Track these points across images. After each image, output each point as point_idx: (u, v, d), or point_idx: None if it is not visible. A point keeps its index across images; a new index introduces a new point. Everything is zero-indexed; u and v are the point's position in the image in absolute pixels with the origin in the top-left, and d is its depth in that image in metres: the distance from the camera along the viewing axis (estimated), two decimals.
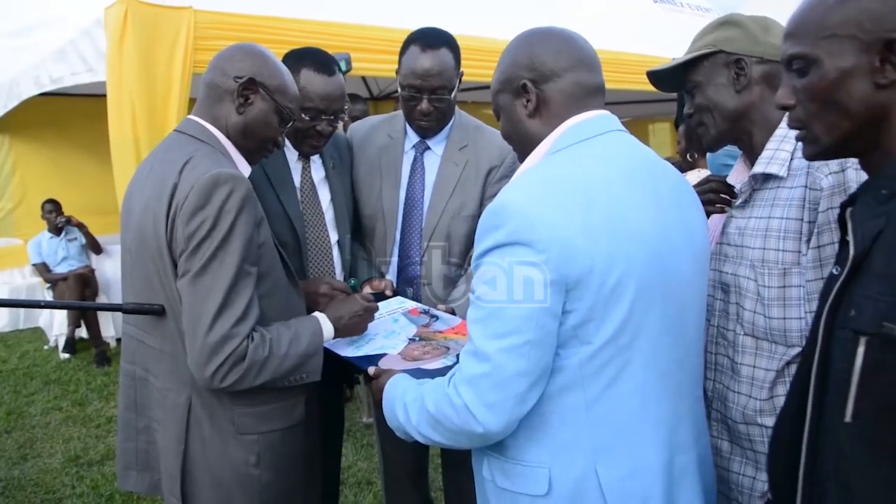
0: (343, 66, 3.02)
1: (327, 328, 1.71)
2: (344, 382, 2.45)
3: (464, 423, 1.22)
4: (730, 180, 1.68)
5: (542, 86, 1.34)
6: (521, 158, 1.41)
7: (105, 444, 4.34)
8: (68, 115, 7.02)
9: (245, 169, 1.67)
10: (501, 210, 1.21)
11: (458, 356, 1.76)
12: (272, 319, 1.61)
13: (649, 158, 1.36)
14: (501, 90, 1.41)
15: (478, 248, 1.25)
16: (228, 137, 1.67)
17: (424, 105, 2.16)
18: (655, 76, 1.68)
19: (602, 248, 1.18)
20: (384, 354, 1.78)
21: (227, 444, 1.61)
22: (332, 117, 2.06)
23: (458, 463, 2.46)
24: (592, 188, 1.22)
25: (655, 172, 1.34)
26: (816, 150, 1.11)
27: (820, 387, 1.05)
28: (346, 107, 2.13)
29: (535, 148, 1.37)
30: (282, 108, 1.69)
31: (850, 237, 1.03)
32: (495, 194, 2.27)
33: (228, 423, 1.61)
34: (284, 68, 1.73)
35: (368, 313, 1.83)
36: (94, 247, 6.70)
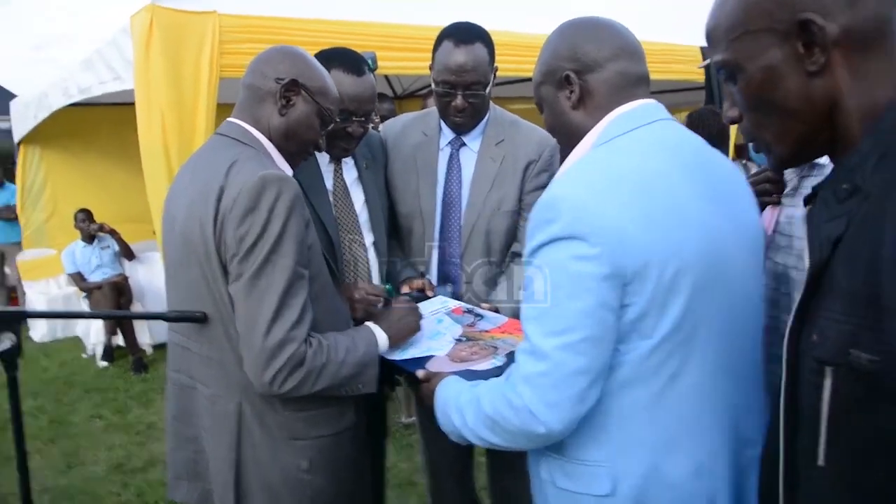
0: (369, 65, 3.00)
1: (382, 338, 1.68)
2: (386, 384, 2.42)
3: (524, 423, 1.19)
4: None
5: (586, 76, 1.30)
6: (566, 151, 1.37)
7: (147, 450, 4.38)
8: (97, 124, 7.08)
9: (288, 172, 1.64)
10: (554, 204, 1.17)
11: (507, 355, 1.72)
12: (321, 323, 1.58)
13: (700, 147, 1.31)
14: (543, 82, 1.37)
15: (530, 244, 1.21)
16: (270, 140, 1.65)
17: (459, 101, 2.12)
18: None
19: (658, 240, 1.14)
20: (431, 356, 1.74)
21: (278, 450, 1.59)
22: (362, 118, 2.02)
23: (505, 465, 2.41)
24: (645, 178, 1.18)
25: (707, 162, 1.29)
26: (776, 160, 1.01)
27: (790, 425, 0.94)
28: (375, 110, 2.09)
29: (580, 140, 1.33)
30: (324, 110, 1.67)
31: (805, 245, 0.91)
32: (535, 189, 2.29)
33: (280, 428, 1.59)
34: (324, 70, 1.71)
35: (414, 316, 1.80)
36: (126, 253, 6.76)
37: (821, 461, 0.86)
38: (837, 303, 0.82)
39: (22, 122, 7.24)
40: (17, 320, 1.46)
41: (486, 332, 1.88)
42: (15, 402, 1.51)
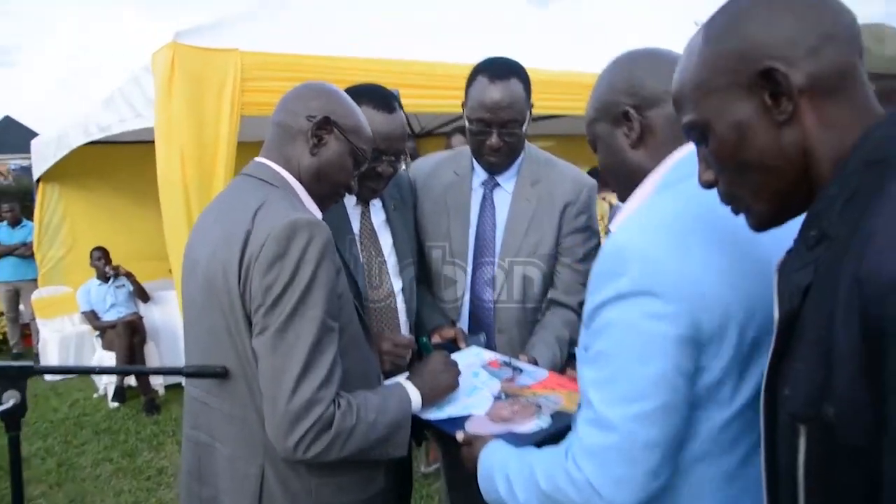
0: (400, 102, 2.92)
1: (415, 396, 1.56)
2: (414, 439, 2.28)
3: (586, 501, 1.05)
4: None
5: (646, 112, 1.19)
6: (623, 194, 1.25)
7: (156, 497, 4.24)
8: (116, 162, 7.11)
9: (318, 215, 1.54)
10: (621, 255, 1.05)
11: (552, 416, 1.59)
12: (350, 378, 1.46)
13: None
14: (598, 118, 1.26)
15: (594, 298, 1.08)
16: (300, 181, 1.55)
17: (494, 140, 2.01)
18: None
19: (740, 295, 1.01)
20: (470, 416, 1.61)
21: None
22: (393, 157, 1.92)
23: None
24: (721, 227, 1.05)
25: None
26: (756, 220, 0.94)
27: (772, 485, 0.88)
28: (406, 150, 1.99)
29: (639, 181, 1.21)
30: (357, 150, 1.58)
31: (774, 296, 0.87)
32: (573, 231, 2.15)
33: (306, 495, 1.46)
34: (358, 108, 1.62)
35: (451, 373, 1.67)
36: (141, 295, 6.68)
37: None
38: (806, 354, 0.79)
39: (42, 159, 7.27)
40: (23, 377, 1.35)
41: (527, 387, 1.75)
42: (16, 464, 1.39)
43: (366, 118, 1.73)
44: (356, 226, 2.02)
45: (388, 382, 1.65)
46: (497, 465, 1.27)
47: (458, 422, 1.58)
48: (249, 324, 1.38)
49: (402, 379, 1.61)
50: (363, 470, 1.51)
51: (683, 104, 0.95)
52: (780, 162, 0.87)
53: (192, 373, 1.43)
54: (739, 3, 0.90)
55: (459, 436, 1.48)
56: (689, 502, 1.07)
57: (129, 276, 6.56)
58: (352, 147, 1.57)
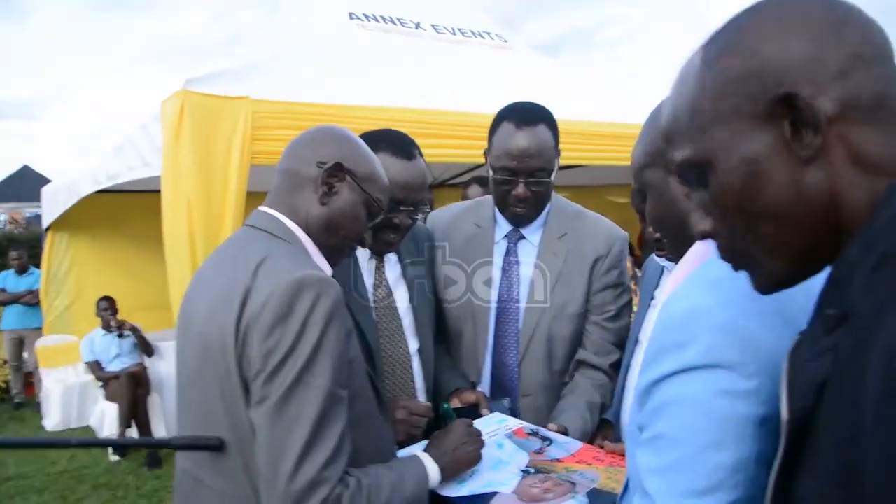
0: (420, 149, 2.83)
1: (433, 471, 1.41)
2: None
3: None
4: None
5: None
6: (677, 249, 1.12)
7: None
8: (124, 211, 7.10)
9: (327, 271, 1.41)
10: (689, 320, 0.89)
11: (588, 495, 1.44)
12: (361, 453, 1.32)
13: None
14: (650, 164, 1.14)
15: (652, 372, 0.93)
16: (308, 233, 1.43)
17: (521, 189, 1.90)
18: None
19: None
20: (495, 493, 1.46)
21: None
22: (411, 208, 1.80)
23: None
24: (802, 291, 0.90)
25: None
26: (767, 281, 0.78)
27: None
28: (426, 200, 1.87)
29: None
30: (372, 200, 1.46)
31: (782, 393, 0.70)
32: (604, 288, 1.99)
33: None
34: (373, 155, 1.50)
35: (474, 445, 1.52)
36: (146, 349, 6.54)
37: None
38: (822, 468, 0.64)
39: (52, 207, 7.27)
40: None
41: (559, 461, 1.60)
42: None
43: (383, 165, 1.61)
44: (370, 282, 1.89)
45: (403, 453, 1.50)
46: None
47: (483, 500, 1.43)
48: (247, 392, 1.25)
49: (419, 451, 1.47)
50: None
51: (676, 139, 0.79)
52: (801, 210, 0.70)
53: (183, 445, 1.29)
54: (747, 18, 0.74)
55: None
56: None
57: (134, 330, 6.44)
58: (366, 197, 1.45)
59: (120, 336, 6.30)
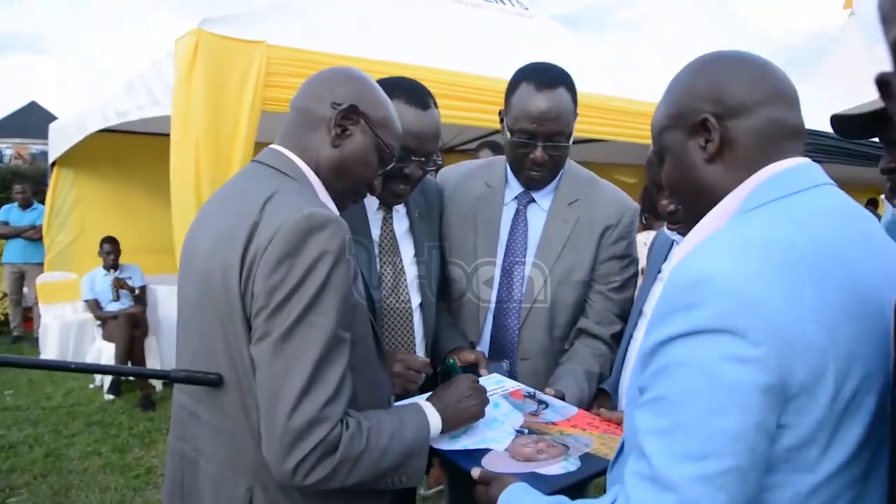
0: (435, 100, 2.79)
1: (434, 421, 1.40)
2: None
3: None
4: None
5: (728, 122, 1.03)
6: (692, 215, 1.10)
7: (143, 497, 4.10)
8: (132, 152, 7.07)
9: (334, 212, 1.38)
10: (700, 283, 0.88)
11: (581, 458, 1.44)
12: (358, 399, 1.31)
13: (873, 223, 1.03)
14: (670, 126, 1.10)
15: (658, 333, 0.92)
16: (318, 174, 1.40)
17: (538, 153, 1.86)
18: (840, 122, 1.37)
19: (840, 343, 0.85)
20: (488, 450, 1.46)
21: None
22: (423, 159, 1.76)
23: None
24: (819, 260, 0.90)
25: (884, 241, 1.01)
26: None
27: None
28: (439, 149, 1.83)
29: (712, 202, 1.06)
30: (384, 146, 1.43)
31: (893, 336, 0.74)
32: (610, 258, 1.97)
33: None
34: (389, 100, 1.47)
35: (477, 399, 1.51)
36: (139, 300, 6.53)
37: None
38: None
39: (59, 143, 7.23)
40: None
41: (553, 424, 1.60)
42: None
43: (397, 113, 1.58)
44: (376, 233, 1.87)
45: (406, 402, 1.50)
46: None
47: (475, 455, 1.43)
48: (249, 329, 1.24)
49: (421, 400, 1.46)
50: (366, 496, 1.36)
51: None
52: None
53: (182, 378, 1.28)
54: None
55: (475, 472, 1.33)
56: None
57: (132, 291, 6.38)
58: (378, 142, 1.42)
59: (121, 288, 6.25)
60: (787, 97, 1.04)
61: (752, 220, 0.98)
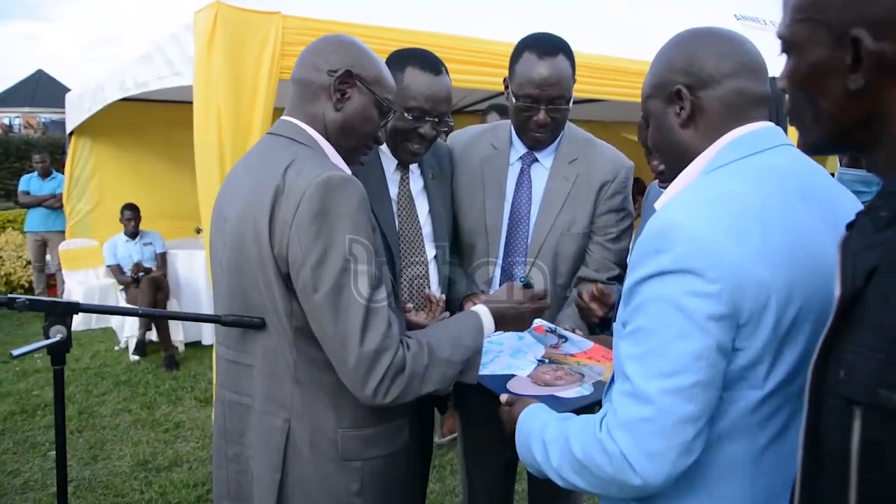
0: (446, 66, 2.93)
1: (488, 322, 1.59)
2: (436, 406, 2.31)
3: (618, 472, 1.07)
4: None
5: (699, 92, 1.19)
6: (670, 173, 1.27)
7: (173, 449, 4.33)
8: (148, 120, 7.19)
9: (347, 172, 1.55)
10: (666, 232, 1.06)
11: (594, 385, 1.62)
12: None
13: (824, 177, 1.19)
14: (652, 95, 1.26)
15: (635, 274, 1.10)
16: (328, 138, 1.55)
17: (541, 116, 2.03)
18: None
19: (780, 279, 1.02)
20: (512, 375, 1.64)
21: (328, 471, 1.48)
22: (436, 119, 1.94)
23: (549, 496, 2.31)
24: (767, 210, 1.06)
25: (832, 193, 1.17)
26: (807, 144, 0.95)
27: (812, 466, 0.85)
28: (450, 111, 2.00)
29: (687, 162, 1.22)
30: (381, 100, 1.57)
31: (837, 274, 0.83)
32: (607, 211, 2.18)
33: (332, 448, 1.48)
34: (378, 57, 1.60)
35: (535, 306, 1.71)
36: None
37: None
38: (867, 337, 0.76)
39: (76, 113, 7.35)
40: (68, 313, 1.39)
41: (571, 355, 1.78)
42: (59, 398, 1.44)
43: (411, 78, 1.79)
44: (394, 191, 2.05)
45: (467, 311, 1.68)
46: (536, 430, 1.29)
47: (500, 380, 1.61)
48: (283, 281, 1.41)
49: (479, 308, 1.63)
50: (388, 422, 1.55)
51: (784, 12, 0.95)
52: (840, 118, 0.88)
53: (231, 322, 1.47)
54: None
55: (503, 397, 1.50)
56: (718, 480, 1.09)
57: (148, 271, 6.47)
58: (375, 98, 1.55)
59: (135, 281, 6.37)
60: (752, 69, 1.19)
61: (713, 178, 1.14)
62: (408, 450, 1.64)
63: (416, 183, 2.11)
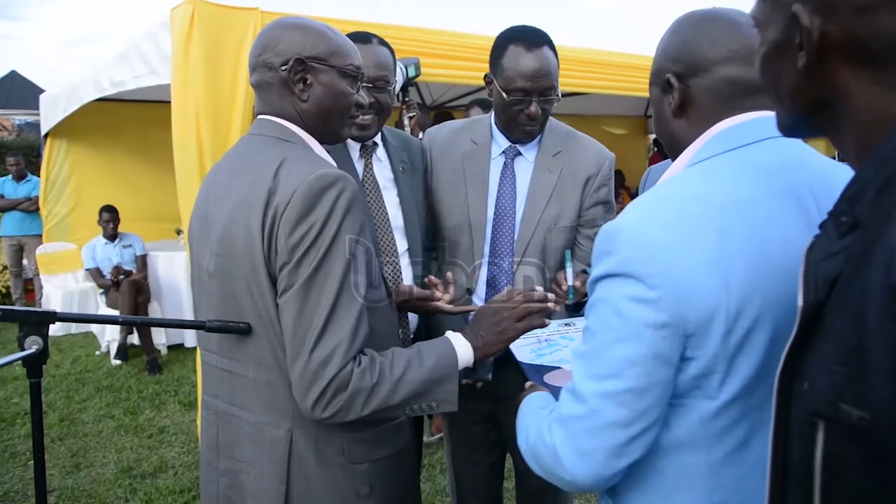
0: (412, 70, 2.88)
1: (461, 346, 1.50)
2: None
3: (552, 464, 1.08)
4: None
5: (689, 81, 1.13)
6: (672, 159, 1.23)
7: (157, 455, 4.26)
8: (125, 120, 7.11)
9: (334, 165, 1.48)
10: (614, 234, 1.04)
11: None
12: (377, 337, 1.43)
13: (820, 173, 1.11)
14: (652, 82, 1.21)
15: (593, 273, 1.08)
16: (309, 129, 1.49)
17: (534, 108, 2.00)
18: None
19: (734, 288, 0.97)
20: (558, 368, 1.61)
21: (335, 478, 1.43)
22: (371, 86, 1.92)
23: (534, 493, 2.30)
24: (730, 211, 1.01)
25: (822, 193, 1.08)
26: (778, 123, 0.93)
27: (778, 479, 0.84)
28: (390, 79, 2.00)
29: (681, 151, 1.17)
30: (345, 69, 1.48)
31: (800, 283, 0.80)
32: (594, 204, 2.14)
33: (338, 453, 1.43)
34: (319, 25, 1.51)
35: (510, 322, 1.56)
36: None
37: None
38: (829, 349, 0.73)
39: (51, 114, 7.24)
40: (45, 323, 1.33)
41: None
42: (37, 411, 1.38)
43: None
44: (360, 176, 2.03)
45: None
46: (523, 415, 1.28)
47: (543, 370, 1.60)
48: (273, 284, 1.35)
49: (450, 333, 1.55)
50: (391, 422, 1.50)
51: None
52: (796, 98, 0.86)
53: (216, 328, 1.40)
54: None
55: (528, 384, 1.48)
56: (675, 488, 1.07)
57: (129, 274, 6.36)
58: (337, 70, 1.47)
59: (115, 284, 6.26)
60: (745, 55, 1.10)
61: (687, 175, 1.10)
62: (410, 448, 1.61)
63: (381, 171, 2.09)
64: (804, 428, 0.76)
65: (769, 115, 1.10)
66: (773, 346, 0.99)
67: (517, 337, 1.58)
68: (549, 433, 1.09)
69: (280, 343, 1.37)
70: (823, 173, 1.12)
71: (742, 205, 1.02)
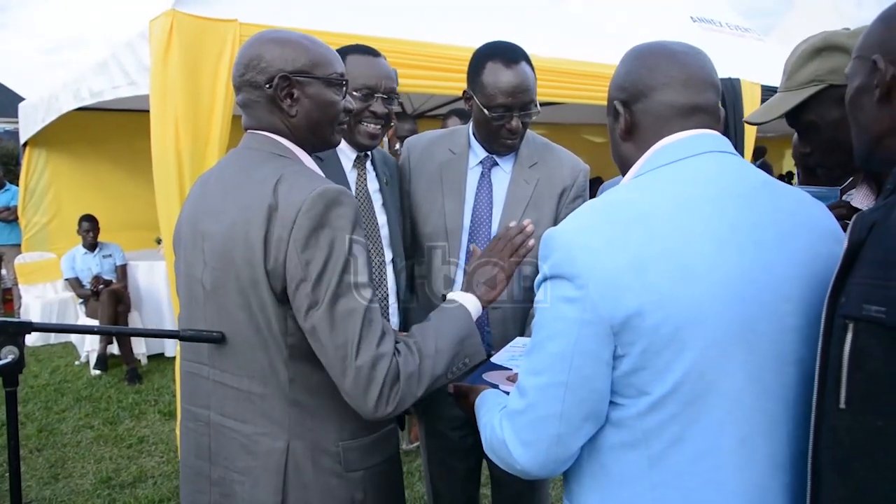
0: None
1: (466, 300, 1.57)
2: (396, 422, 2.31)
3: (505, 456, 1.19)
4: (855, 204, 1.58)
5: (633, 106, 1.24)
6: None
7: (137, 465, 4.25)
8: (104, 130, 7.08)
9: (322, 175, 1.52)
10: (549, 240, 1.15)
11: None
12: None
13: (751, 184, 1.17)
14: (607, 110, 1.32)
15: (537, 277, 1.20)
16: (299, 143, 1.52)
17: (515, 123, 2.06)
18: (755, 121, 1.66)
19: (656, 289, 1.04)
20: (499, 367, 1.69)
21: (331, 486, 1.46)
22: (384, 96, 2.00)
23: (511, 499, 2.34)
24: (654, 218, 1.09)
25: (753, 201, 1.15)
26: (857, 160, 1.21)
27: (822, 375, 1.04)
28: (397, 90, 2.07)
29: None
30: (330, 78, 1.50)
31: (847, 233, 1.03)
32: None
33: (334, 461, 1.46)
34: (301, 36, 1.52)
35: (490, 265, 1.67)
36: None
37: (842, 403, 0.99)
38: (864, 271, 0.97)
39: (30, 123, 7.20)
40: (21, 333, 1.35)
41: None
42: (13, 422, 1.40)
43: (353, 63, 1.86)
44: (353, 188, 2.06)
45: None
46: (480, 414, 1.37)
47: (491, 368, 1.67)
48: (276, 298, 1.37)
49: (452, 293, 1.62)
50: (382, 430, 1.55)
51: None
52: (872, 128, 1.15)
53: (189, 336, 1.43)
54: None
55: (451, 388, 1.56)
56: (621, 483, 1.13)
57: (108, 284, 6.33)
58: (322, 80, 1.48)
59: (95, 294, 6.25)
60: (682, 81, 1.20)
61: (620, 188, 1.20)
62: (398, 455, 1.66)
63: (372, 182, 2.13)
64: (840, 332, 0.99)
65: (707, 133, 1.21)
66: (708, 345, 1.05)
67: (513, 270, 1.68)
68: (500, 427, 1.19)
69: (280, 355, 1.41)
70: (758, 184, 1.19)
71: (667, 213, 1.10)
